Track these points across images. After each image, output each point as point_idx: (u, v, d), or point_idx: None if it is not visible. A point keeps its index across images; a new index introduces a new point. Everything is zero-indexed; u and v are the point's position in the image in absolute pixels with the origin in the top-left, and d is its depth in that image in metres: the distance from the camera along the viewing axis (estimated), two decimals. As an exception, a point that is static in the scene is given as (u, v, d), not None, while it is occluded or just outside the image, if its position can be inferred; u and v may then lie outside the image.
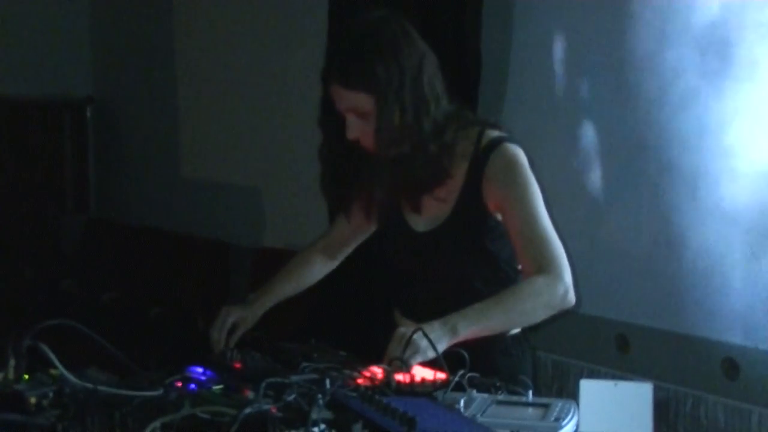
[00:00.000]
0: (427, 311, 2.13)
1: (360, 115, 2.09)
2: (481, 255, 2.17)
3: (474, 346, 1.98)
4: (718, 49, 2.83)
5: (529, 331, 2.27)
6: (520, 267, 2.18)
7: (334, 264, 2.54)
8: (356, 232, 2.46)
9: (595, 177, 3.19)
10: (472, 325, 1.99)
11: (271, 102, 4.64)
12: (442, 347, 1.93)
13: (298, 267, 2.52)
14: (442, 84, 2.15)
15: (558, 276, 2.05)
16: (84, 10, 5.88)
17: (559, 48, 3.27)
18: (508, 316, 2.06)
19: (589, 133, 3.20)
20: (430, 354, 1.92)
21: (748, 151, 2.78)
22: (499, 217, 2.16)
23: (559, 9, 3.26)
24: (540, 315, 2.07)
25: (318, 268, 2.53)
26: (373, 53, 2.05)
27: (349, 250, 2.53)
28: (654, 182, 3.03)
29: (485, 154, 2.13)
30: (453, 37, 3.36)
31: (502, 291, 2.08)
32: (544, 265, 2.06)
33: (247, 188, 4.85)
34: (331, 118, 2.16)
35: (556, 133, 3.30)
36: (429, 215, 2.19)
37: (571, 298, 2.07)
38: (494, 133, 2.17)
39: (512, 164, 2.12)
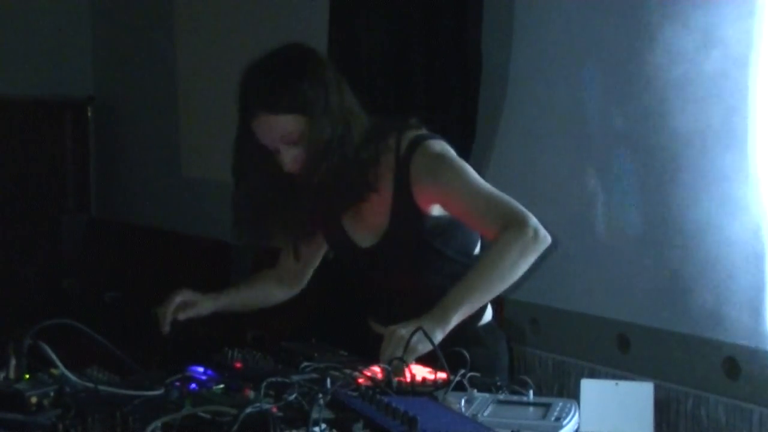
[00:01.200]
0: (395, 315, 2.14)
1: (291, 142, 2.10)
2: (429, 255, 2.19)
3: (445, 339, 1.97)
4: (714, 47, 2.83)
5: (496, 320, 2.29)
6: (477, 250, 2.22)
7: (295, 290, 2.54)
8: (305, 259, 2.45)
9: (595, 177, 3.19)
10: (460, 306, 1.98)
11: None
12: (437, 340, 1.93)
13: (256, 281, 2.53)
14: (357, 103, 2.18)
15: (521, 221, 2.04)
16: (85, 10, 5.88)
17: (559, 49, 3.27)
18: (491, 281, 2.03)
19: (589, 133, 3.20)
20: (422, 348, 1.92)
21: (753, 151, 2.77)
22: (435, 212, 2.16)
23: (560, 10, 3.26)
24: (522, 265, 2.04)
25: (274, 292, 2.53)
26: (296, 75, 2.08)
27: (307, 273, 2.52)
28: (655, 182, 3.03)
29: (407, 156, 2.14)
30: (454, 39, 3.36)
31: (475, 261, 2.09)
32: (503, 221, 2.05)
33: (247, 188, 4.84)
34: (248, 161, 2.17)
35: (556, 133, 3.30)
36: (369, 229, 2.21)
37: (544, 235, 2.07)
38: (411, 134, 2.18)
39: (436, 158, 2.13)
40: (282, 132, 2.09)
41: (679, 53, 2.93)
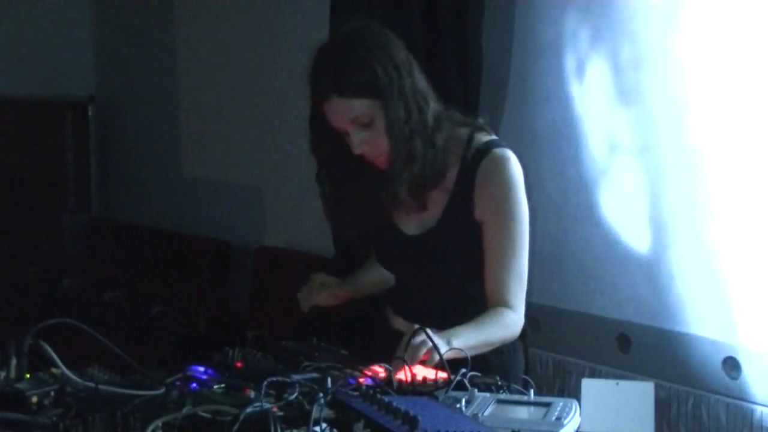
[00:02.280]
0: (417, 310, 2.17)
1: (363, 126, 2.06)
2: (468, 257, 2.17)
3: None
4: (716, 49, 2.83)
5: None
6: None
7: None
8: None
9: (595, 178, 3.19)
10: (462, 344, 1.99)
11: (273, 102, 4.64)
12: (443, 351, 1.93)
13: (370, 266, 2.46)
14: (427, 83, 2.14)
15: (521, 317, 2.14)
16: (85, 9, 5.88)
17: (560, 49, 3.27)
18: (483, 344, 2.08)
19: (589, 135, 3.20)
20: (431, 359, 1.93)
21: (751, 151, 2.77)
22: (478, 217, 2.14)
23: (560, 10, 3.26)
24: (495, 345, 2.12)
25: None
26: (367, 57, 2.03)
27: None
28: (655, 182, 3.03)
29: (476, 159, 2.12)
30: (455, 39, 3.36)
31: (480, 317, 2.09)
32: (511, 301, 2.11)
33: (248, 187, 4.85)
34: (328, 139, 2.13)
35: (557, 134, 3.30)
36: (420, 219, 2.18)
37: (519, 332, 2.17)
38: (484, 138, 2.16)
39: (505, 177, 2.11)
40: (351, 116, 2.05)
41: (682, 53, 2.93)
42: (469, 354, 1.98)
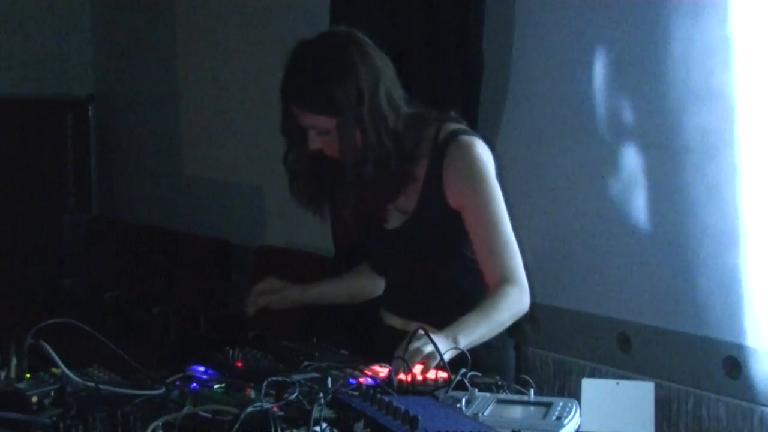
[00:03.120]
0: (408, 306, 2.21)
1: (321, 132, 2.11)
2: (447, 246, 2.19)
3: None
4: (716, 47, 2.83)
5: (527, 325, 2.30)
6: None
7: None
8: None
9: (596, 177, 3.19)
10: (467, 338, 2.01)
11: (273, 101, 4.62)
12: (446, 357, 1.93)
13: (352, 273, 2.50)
14: (400, 90, 2.17)
15: (523, 287, 2.13)
16: (85, 9, 5.88)
17: (560, 48, 3.27)
18: (491, 328, 2.09)
19: (590, 133, 3.20)
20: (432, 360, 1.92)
21: (754, 148, 2.77)
22: (453, 205, 2.16)
23: (561, 9, 3.26)
24: (508, 324, 2.14)
25: (368, 284, 2.46)
26: (329, 78, 2.07)
27: None
28: (656, 182, 3.03)
29: (443, 148, 2.15)
30: (455, 38, 3.36)
31: (482, 302, 2.10)
32: (508, 275, 2.12)
33: (248, 187, 4.85)
34: (293, 127, 2.18)
35: (558, 133, 3.30)
36: (398, 211, 2.22)
37: (529, 303, 2.16)
38: (451, 126, 2.18)
39: (470, 161, 2.13)
40: (309, 124, 2.11)
41: (682, 53, 2.93)
42: (479, 342, 2.02)
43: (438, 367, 1.90)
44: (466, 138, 2.16)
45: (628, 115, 3.10)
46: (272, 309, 2.40)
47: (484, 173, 2.14)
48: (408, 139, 2.14)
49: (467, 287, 2.18)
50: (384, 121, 2.10)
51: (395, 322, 2.27)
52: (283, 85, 2.14)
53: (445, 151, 2.14)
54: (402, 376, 1.85)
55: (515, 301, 2.11)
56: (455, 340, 1.97)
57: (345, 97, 2.05)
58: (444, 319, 2.04)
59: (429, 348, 1.89)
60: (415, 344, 1.90)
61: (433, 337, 1.92)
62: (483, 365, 1.96)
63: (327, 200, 2.27)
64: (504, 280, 2.11)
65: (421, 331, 1.92)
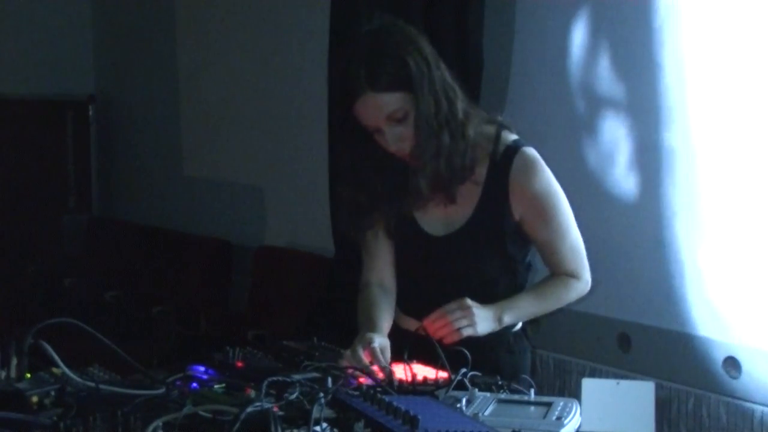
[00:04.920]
0: (432, 308, 2.12)
1: (397, 121, 2.04)
2: (500, 257, 2.17)
3: (478, 344, 2.01)
4: (715, 47, 2.83)
5: (528, 327, 2.30)
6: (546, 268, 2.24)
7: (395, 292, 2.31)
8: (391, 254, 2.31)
9: (596, 175, 3.19)
10: (513, 319, 2.10)
11: (273, 101, 4.64)
12: (486, 330, 2.04)
13: (382, 307, 2.24)
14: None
15: (587, 281, 2.23)
16: (85, 9, 5.88)
17: (560, 46, 3.27)
18: (542, 312, 2.19)
19: (590, 132, 3.20)
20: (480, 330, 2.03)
21: (753, 149, 2.77)
22: (516, 218, 2.15)
23: (561, 7, 3.26)
24: (561, 306, 2.23)
25: (392, 303, 2.28)
26: (398, 50, 2.04)
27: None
28: (656, 182, 3.03)
29: (506, 158, 2.12)
30: (455, 36, 3.36)
31: (545, 287, 2.18)
32: (575, 269, 2.20)
33: (249, 187, 4.85)
34: (351, 145, 2.12)
35: (558, 131, 3.30)
36: (446, 218, 2.17)
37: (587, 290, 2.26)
38: (512, 136, 2.17)
39: (540, 175, 2.14)
40: (387, 111, 2.03)
41: (683, 53, 2.93)
42: (530, 318, 2.14)
43: (438, 367, 1.90)
44: (530, 151, 2.15)
45: (628, 116, 3.10)
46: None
47: (555, 187, 2.16)
48: (472, 123, 2.11)
49: (504, 287, 2.17)
50: (453, 89, 2.09)
51: (411, 324, 2.18)
52: (349, 76, 2.03)
53: (511, 162, 2.12)
54: (402, 375, 1.86)
55: (573, 292, 2.21)
56: (500, 320, 2.06)
57: (416, 66, 2.03)
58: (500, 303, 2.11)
59: (466, 322, 2.00)
60: (453, 313, 2.00)
61: (480, 310, 2.02)
62: (504, 370, 1.99)
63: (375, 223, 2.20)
64: (569, 273, 2.19)
65: (466, 303, 2.00)
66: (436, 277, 2.21)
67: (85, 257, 5.50)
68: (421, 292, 2.23)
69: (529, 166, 2.13)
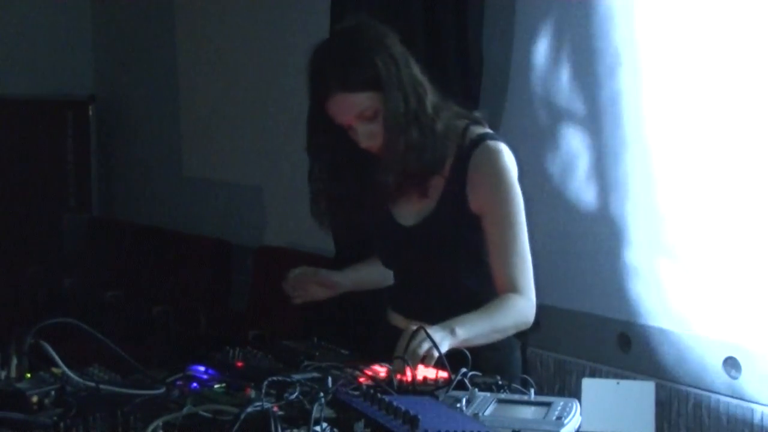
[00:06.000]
0: (415, 306, 2.19)
1: (368, 119, 2.09)
2: (464, 247, 2.19)
3: None
4: (722, 54, 2.83)
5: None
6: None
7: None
8: None
9: (597, 176, 3.19)
10: (466, 334, 2.01)
11: (273, 101, 4.64)
12: (444, 349, 1.94)
13: (369, 261, 2.47)
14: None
15: (532, 300, 2.14)
16: (85, 9, 5.88)
17: (560, 47, 3.27)
18: (493, 330, 2.10)
19: (591, 133, 3.20)
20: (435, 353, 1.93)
21: (754, 150, 2.78)
22: (474, 210, 2.16)
23: (561, 8, 3.26)
24: (510, 332, 2.16)
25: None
26: (367, 51, 2.08)
27: None
28: (657, 183, 3.03)
29: (469, 151, 2.15)
30: (455, 37, 3.36)
31: (488, 304, 2.10)
32: (520, 287, 2.13)
33: (248, 187, 4.85)
34: (324, 137, 2.16)
35: (558, 131, 3.30)
36: (415, 210, 2.21)
37: (533, 317, 2.16)
38: (479, 130, 2.19)
39: (496, 168, 2.14)
40: (356, 111, 2.08)
41: (683, 55, 2.93)
42: (478, 342, 2.02)
43: (438, 367, 1.90)
44: (493, 144, 2.15)
45: (629, 117, 3.10)
46: (315, 299, 2.40)
47: (509, 182, 2.14)
48: (443, 118, 2.14)
49: (476, 289, 2.18)
50: (422, 87, 2.12)
51: (399, 321, 2.25)
52: (320, 76, 2.10)
53: (471, 155, 2.14)
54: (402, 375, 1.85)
55: (521, 312, 2.12)
56: (452, 331, 1.97)
57: (385, 65, 2.07)
58: (448, 320, 2.04)
59: (427, 345, 1.90)
60: (417, 339, 1.91)
61: (430, 329, 1.93)
62: (488, 367, 1.96)
63: (353, 208, 2.23)
64: (514, 289, 2.12)
65: (420, 330, 1.93)
66: (411, 269, 2.27)
67: (85, 257, 5.50)
68: (401, 285, 2.31)
69: (487, 157, 2.14)
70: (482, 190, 2.14)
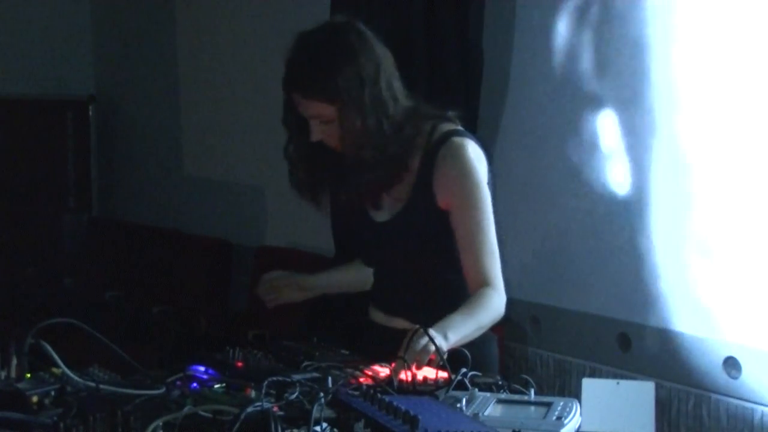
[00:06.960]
0: (393, 301, 2.23)
1: (322, 122, 2.13)
2: (437, 242, 2.20)
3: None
4: (718, 44, 2.83)
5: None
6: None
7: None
8: None
9: (597, 174, 3.19)
10: (456, 336, 2.02)
11: (273, 101, 4.62)
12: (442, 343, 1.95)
13: (354, 263, 2.50)
14: (399, 82, 2.19)
15: (502, 292, 2.16)
16: (85, 9, 5.88)
17: (560, 44, 3.27)
18: (478, 329, 2.11)
19: (591, 130, 3.20)
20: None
21: (753, 151, 2.77)
22: (442, 205, 2.18)
23: (561, 5, 3.26)
24: (487, 327, 2.16)
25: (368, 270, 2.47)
26: (331, 64, 2.09)
27: None
28: (656, 181, 3.03)
29: (435, 147, 2.16)
30: (455, 39, 3.36)
31: (467, 303, 2.11)
32: (489, 280, 2.14)
33: (249, 187, 4.85)
34: (294, 118, 2.20)
35: (558, 129, 3.30)
36: (387, 206, 2.23)
37: (504, 309, 2.18)
38: (446, 127, 2.20)
39: (460, 163, 2.15)
40: (311, 113, 2.13)
41: (683, 50, 2.93)
42: (465, 341, 2.02)
43: (438, 367, 1.90)
44: (458, 140, 2.17)
45: (628, 113, 3.10)
46: (289, 301, 2.43)
47: (474, 177, 2.15)
48: (406, 129, 2.15)
49: (452, 284, 2.20)
50: (384, 107, 2.12)
51: (379, 317, 2.29)
52: (285, 75, 2.16)
53: (437, 151, 2.16)
54: (402, 375, 1.85)
55: (497, 307, 2.14)
56: (445, 337, 1.98)
57: (346, 83, 2.08)
58: (426, 315, 2.04)
59: (429, 346, 1.90)
60: (421, 341, 1.91)
61: (429, 330, 1.93)
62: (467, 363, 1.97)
63: (326, 191, 2.28)
64: (485, 283, 2.13)
65: (420, 330, 1.93)
66: (386, 264, 2.31)
67: (85, 257, 5.49)
68: (380, 281, 2.34)
69: (452, 152, 2.15)
70: (448, 186, 2.16)
